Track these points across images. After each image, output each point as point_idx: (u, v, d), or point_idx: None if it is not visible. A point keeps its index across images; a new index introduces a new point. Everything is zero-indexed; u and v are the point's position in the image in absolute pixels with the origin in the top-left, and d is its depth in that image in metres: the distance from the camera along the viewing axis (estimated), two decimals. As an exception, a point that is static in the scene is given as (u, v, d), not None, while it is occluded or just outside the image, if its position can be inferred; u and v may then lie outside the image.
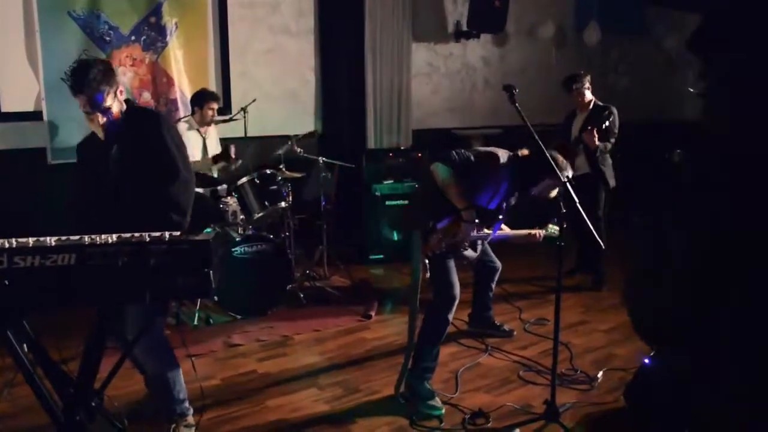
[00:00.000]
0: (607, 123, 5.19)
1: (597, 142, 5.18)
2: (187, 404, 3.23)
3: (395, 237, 6.32)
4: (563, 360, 4.01)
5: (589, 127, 5.19)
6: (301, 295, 5.18)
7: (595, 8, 8.13)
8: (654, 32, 8.97)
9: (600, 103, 5.46)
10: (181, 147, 3.08)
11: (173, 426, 3.16)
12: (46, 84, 5.24)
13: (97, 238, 2.15)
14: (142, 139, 2.96)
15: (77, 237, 2.18)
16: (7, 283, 2.09)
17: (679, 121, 8.74)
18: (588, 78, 5.50)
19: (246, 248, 4.74)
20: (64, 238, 2.18)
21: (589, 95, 5.49)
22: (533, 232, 3.95)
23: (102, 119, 2.87)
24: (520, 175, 3.50)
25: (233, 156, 5.29)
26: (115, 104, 2.91)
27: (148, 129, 2.98)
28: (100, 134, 2.93)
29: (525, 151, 3.53)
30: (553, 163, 3.18)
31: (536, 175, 3.45)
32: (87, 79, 2.79)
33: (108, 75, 2.88)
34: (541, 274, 5.83)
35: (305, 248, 5.88)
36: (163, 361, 3.13)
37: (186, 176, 3.02)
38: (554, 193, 3.49)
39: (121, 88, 2.98)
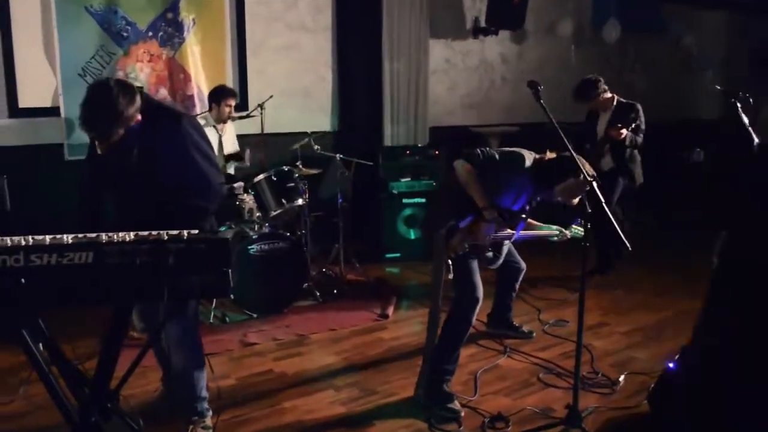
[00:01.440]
0: (637, 122, 5.16)
1: (624, 133, 5.12)
2: (206, 404, 3.19)
3: (412, 235, 6.26)
4: (584, 363, 3.92)
5: (619, 125, 5.12)
6: (318, 294, 5.13)
7: (614, 5, 8.03)
8: (672, 30, 8.86)
9: (623, 100, 5.40)
10: (207, 149, 2.86)
11: (191, 427, 3.11)
12: (63, 80, 5.23)
13: (115, 236, 2.11)
14: (165, 152, 2.74)
15: (94, 235, 2.14)
16: (23, 281, 2.05)
17: (696, 119, 8.66)
18: (602, 81, 5.42)
19: (262, 246, 4.70)
20: (81, 235, 2.14)
21: (608, 95, 5.43)
22: (558, 231, 3.87)
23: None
24: (545, 177, 3.41)
25: (247, 162, 5.26)
26: (117, 134, 2.61)
27: (171, 143, 2.74)
28: (100, 149, 2.68)
29: (551, 154, 3.44)
30: (578, 162, 3.10)
31: (561, 175, 3.36)
32: (105, 127, 2.54)
33: (128, 110, 2.56)
34: (560, 274, 5.76)
35: (321, 246, 5.83)
36: (191, 355, 3.07)
37: (216, 185, 2.84)
38: (577, 200, 3.39)
39: (138, 117, 2.66)
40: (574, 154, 3.11)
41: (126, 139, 2.64)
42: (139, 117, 2.65)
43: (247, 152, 5.29)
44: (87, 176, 3.10)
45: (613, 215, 4.56)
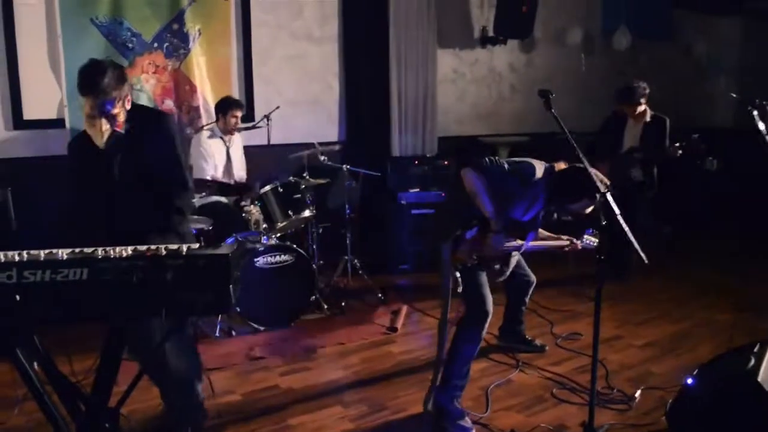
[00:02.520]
0: (702, 145, 5.43)
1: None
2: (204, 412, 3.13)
3: (420, 247, 6.17)
4: (599, 378, 3.82)
5: (677, 146, 5.41)
6: (325, 307, 5.05)
7: (624, 13, 7.95)
8: (683, 38, 8.77)
9: (653, 113, 5.59)
10: (186, 152, 3.02)
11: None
12: (68, 91, 5.18)
13: (111, 251, 2.03)
14: (151, 149, 2.85)
15: (90, 250, 2.07)
16: (17, 298, 1.98)
17: (708, 127, 8.54)
18: (647, 90, 5.56)
19: (269, 258, 4.63)
20: (77, 250, 2.07)
21: (643, 107, 5.56)
22: (568, 241, 3.77)
23: (106, 126, 2.73)
24: (556, 191, 3.31)
25: (253, 195, 5.05)
26: (121, 113, 2.79)
27: (158, 138, 2.88)
28: (99, 141, 2.77)
29: (561, 165, 3.34)
30: (594, 178, 2.99)
31: (573, 194, 3.25)
32: (100, 82, 2.67)
33: (121, 81, 2.76)
34: (572, 286, 5.65)
35: (329, 258, 5.75)
36: (190, 364, 3.02)
37: (192, 186, 2.98)
38: (590, 209, 3.29)
39: (129, 97, 2.85)
40: (588, 166, 3.01)
41: (108, 147, 2.77)
42: (122, 117, 2.79)
43: (257, 184, 5.14)
44: (75, 183, 3.08)
45: (653, 228, 4.69)
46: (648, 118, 5.58)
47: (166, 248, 2.06)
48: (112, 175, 2.81)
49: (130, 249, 2.05)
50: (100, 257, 2.00)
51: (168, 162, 2.87)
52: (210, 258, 2.01)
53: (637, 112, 5.56)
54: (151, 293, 1.99)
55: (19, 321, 2.03)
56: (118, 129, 2.78)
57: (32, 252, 2.04)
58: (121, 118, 2.79)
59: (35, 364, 2.14)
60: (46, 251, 2.05)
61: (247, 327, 4.65)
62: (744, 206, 7.51)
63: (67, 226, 2.72)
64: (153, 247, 2.08)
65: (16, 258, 1.99)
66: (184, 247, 2.07)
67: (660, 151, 5.47)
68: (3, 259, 1.98)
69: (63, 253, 2.02)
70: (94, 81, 2.67)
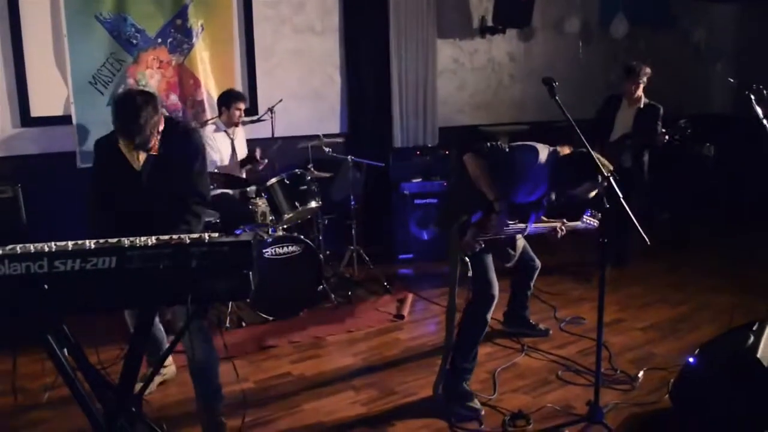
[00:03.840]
0: (684, 135, 5.40)
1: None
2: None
3: (424, 236, 6.25)
4: (602, 360, 3.91)
5: (664, 131, 5.41)
6: (333, 296, 5.13)
7: (621, 1, 8.01)
8: (680, 24, 8.83)
9: (647, 101, 5.58)
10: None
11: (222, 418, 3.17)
12: (74, 88, 5.24)
13: (137, 241, 2.11)
14: (179, 165, 3.01)
15: (116, 240, 2.15)
16: (46, 287, 2.06)
17: (707, 113, 8.61)
18: (648, 72, 5.56)
19: (277, 249, 4.71)
20: (102, 241, 2.14)
21: (641, 91, 5.56)
22: (570, 224, 3.82)
23: (143, 155, 2.89)
24: (559, 175, 3.37)
25: (258, 158, 5.28)
26: (156, 141, 2.90)
27: (186, 155, 3.04)
28: (135, 165, 2.93)
29: (566, 149, 3.41)
30: (597, 162, 3.06)
31: (576, 178, 3.32)
32: (137, 125, 2.75)
33: (155, 116, 2.82)
34: (574, 270, 5.75)
35: (335, 249, 5.83)
36: (209, 346, 3.12)
37: (210, 200, 3.17)
38: (593, 193, 3.36)
39: (162, 119, 2.92)
40: (592, 152, 3.09)
41: (152, 160, 2.94)
42: (156, 143, 2.91)
43: (258, 150, 5.28)
44: (98, 181, 3.18)
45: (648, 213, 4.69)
46: (641, 105, 5.59)
47: (189, 237, 2.13)
48: (140, 186, 2.98)
49: (154, 238, 2.12)
50: (127, 246, 2.08)
51: (192, 176, 3.05)
52: (233, 245, 2.09)
53: (635, 94, 5.55)
54: (177, 280, 2.07)
55: (49, 309, 2.10)
56: (153, 153, 2.93)
57: (59, 243, 2.12)
58: (156, 143, 2.91)
59: (65, 351, 2.22)
60: (73, 242, 2.13)
61: (256, 317, 4.73)
62: (742, 191, 7.59)
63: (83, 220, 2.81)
64: (176, 236, 2.16)
65: (46, 249, 2.06)
66: (206, 235, 2.14)
67: (647, 137, 5.47)
68: (33, 250, 2.06)
69: (91, 243, 2.10)
70: (130, 124, 2.76)
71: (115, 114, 2.82)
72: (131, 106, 2.76)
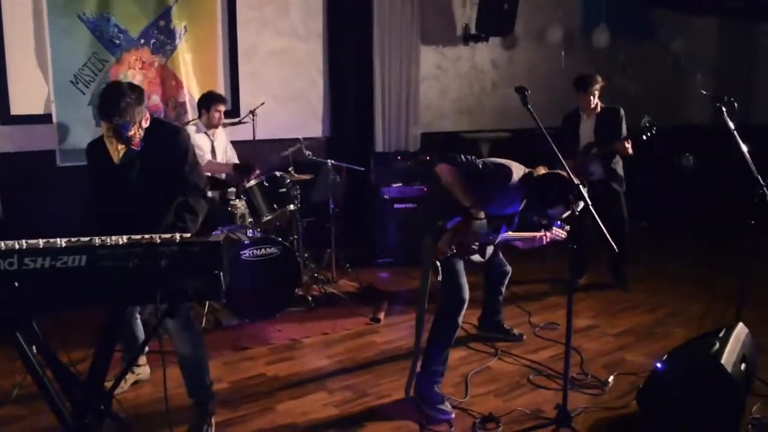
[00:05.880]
0: (649, 134, 5.17)
1: (631, 151, 5.21)
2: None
3: (403, 240, 6.27)
4: (574, 364, 3.97)
5: (628, 140, 5.18)
6: (309, 299, 5.16)
7: (603, 11, 8.12)
8: (661, 35, 8.95)
9: (603, 105, 5.42)
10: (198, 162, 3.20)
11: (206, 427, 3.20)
12: (55, 87, 5.24)
13: (108, 240, 2.13)
14: (165, 164, 3.01)
15: (87, 238, 2.17)
16: (16, 284, 2.07)
17: (686, 124, 8.73)
18: (599, 79, 5.40)
19: (254, 251, 4.72)
20: (74, 239, 2.16)
21: (596, 100, 5.39)
22: (540, 234, 3.88)
23: (121, 146, 2.88)
24: (534, 196, 3.44)
25: (254, 172, 5.12)
26: (137, 133, 2.91)
27: (171, 154, 3.03)
28: (115, 158, 2.92)
29: (541, 170, 3.46)
30: (573, 183, 3.09)
31: (551, 200, 3.37)
32: (117, 107, 2.78)
33: (138, 105, 2.86)
34: (550, 277, 5.81)
35: (313, 251, 5.86)
36: (195, 342, 3.15)
37: (207, 194, 3.17)
38: (566, 215, 3.43)
39: (147, 116, 2.96)
40: (565, 165, 3.13)
41: (123, 160, 2.92)
42: (137, 138, 2.91)
43: (257, 170, 5.18)
44: (91, 186, 3.19)
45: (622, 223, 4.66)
46: (599, 110, 5.39)
47: (160, 237, 2.16)
48: (127, 185, 2.98)
49: (125, 237, 2.15)
50: (97, 244, 2.10)
51: (182, 174, 3.04)
52: (203, 245, 2.12)
53: (591, 105, 5.36)
54: (147, 279, 2.09)
55: (18, 307, 2.12)
56: (134, 147, 2.92)
57: (30, 240, 2.14)
58: (138, 137, 2.92)
59: (34, 348, 2.23)
60: (44, 240, 2.15)
61: (233, 319, 4.75)
62: (720, 200, 7.69)
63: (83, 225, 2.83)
64: (147, 236, 2.18)
65: (16, 246, 2.08)
66: (178, 236, 2.17)
67: (613, 141, 5.23)
68: (3, 248, 2.07)
69: (62, 241, 2.12)
70: (110, 106, 2.79)
71: (100, 96, 2.87)
72: (116, 90, 2.84)
